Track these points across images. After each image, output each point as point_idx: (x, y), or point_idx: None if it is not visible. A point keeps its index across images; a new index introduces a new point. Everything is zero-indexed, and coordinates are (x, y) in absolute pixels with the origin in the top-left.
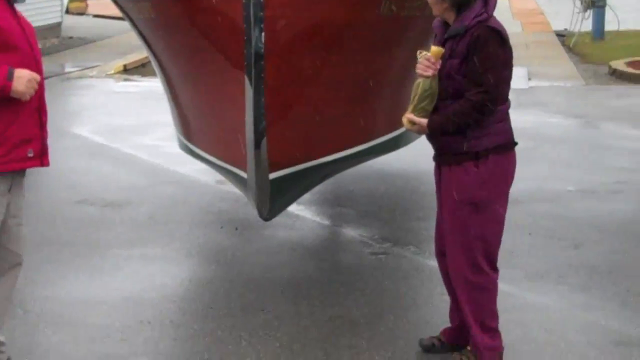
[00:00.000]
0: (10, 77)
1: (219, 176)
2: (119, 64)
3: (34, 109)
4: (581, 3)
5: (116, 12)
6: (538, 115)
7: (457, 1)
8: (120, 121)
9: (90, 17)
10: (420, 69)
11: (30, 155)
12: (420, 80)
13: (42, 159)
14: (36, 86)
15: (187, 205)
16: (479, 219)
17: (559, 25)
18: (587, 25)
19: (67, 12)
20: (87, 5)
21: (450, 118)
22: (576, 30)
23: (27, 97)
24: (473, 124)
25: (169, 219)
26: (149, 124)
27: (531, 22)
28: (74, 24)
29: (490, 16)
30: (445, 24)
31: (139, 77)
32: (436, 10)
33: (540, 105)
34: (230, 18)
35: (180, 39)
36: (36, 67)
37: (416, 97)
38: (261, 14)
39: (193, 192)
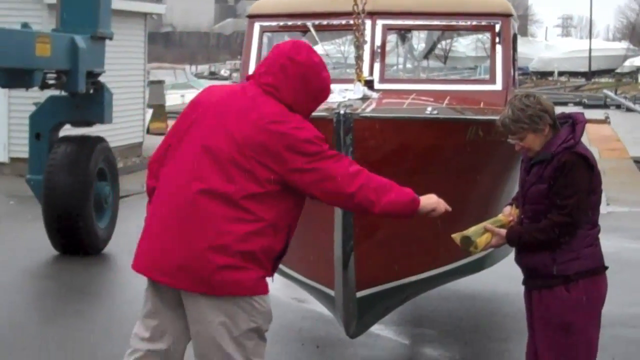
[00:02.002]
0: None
1: (299, 294)
2: None
3: None
4: None
5: None
6: (617, 240)
7: (567, 118)
8: None
9: None
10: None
11: None
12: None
13: None
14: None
15: None
16: (572, 342)
17: (636, 152)
18: None
19: (148, 132)
20: (167, 126)
21: (529, 231)
22: None
23: (442, 208)
24: (551, 243)
25: None
26: None
27: (608, 148)
28: (154, 144)
29: (578, 142)
30: None
31: None
32: (538, 143)
33: (619, 230)
34: None
35: None
36: None
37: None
38: (351, 136)
39: (275, 309)
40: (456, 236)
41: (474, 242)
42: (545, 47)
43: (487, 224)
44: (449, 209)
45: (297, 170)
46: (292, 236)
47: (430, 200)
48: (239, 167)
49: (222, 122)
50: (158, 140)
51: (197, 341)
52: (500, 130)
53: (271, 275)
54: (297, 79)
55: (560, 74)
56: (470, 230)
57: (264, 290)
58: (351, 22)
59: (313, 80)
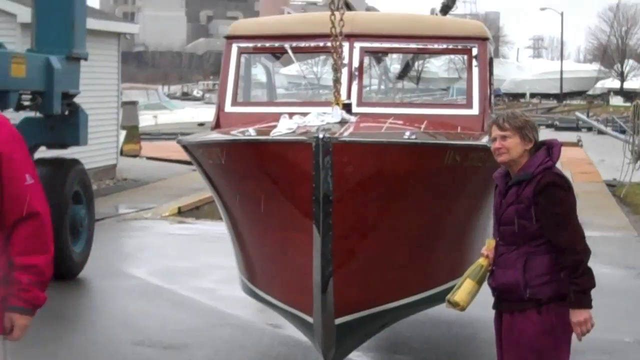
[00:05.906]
0: None
1: (276, 319)
2: (173, 206)
3: None
4: (631, 154)
5: (169, 154)
6: (592, 265)
7: (542, 144)
8: (176, 263)
9: (144, 159)
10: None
11: None
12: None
13: None
14: None
15: (246, 349)
16: None
17: (608, 175)
18: (638, 176)
19: (122, 154)
20: (140, 148)
21: (578, 285)
22: (626, 180)
23: None
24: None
25: None
26: (204, 266)
27: (581, 171)
28: (128, 166)
29: (554, 164)
30: (507, 175)
31: (193, 219)
32: (517, 151)
33: (593, 255)
34: (298, 165)
35: (249, 184)
36: None
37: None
38: (330, 161)
39: (251, 335)
40: (447, 305)
41: (455, 302)
42: (517, 68)
43: (466, 275)
44: None
45: None
46: None
47: None
48: None
49: None
50: (132, 162)
51: None
52: (492, 124)
53: None
54: None
55: (532, 95)
56: (451, 293)
57: None
58: (329, 44)
59: None
